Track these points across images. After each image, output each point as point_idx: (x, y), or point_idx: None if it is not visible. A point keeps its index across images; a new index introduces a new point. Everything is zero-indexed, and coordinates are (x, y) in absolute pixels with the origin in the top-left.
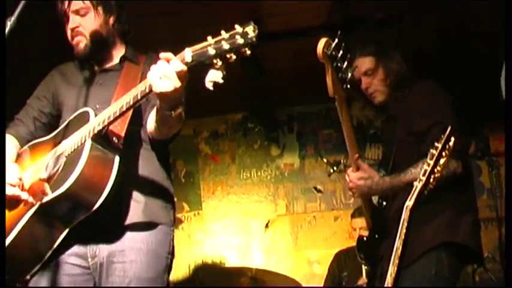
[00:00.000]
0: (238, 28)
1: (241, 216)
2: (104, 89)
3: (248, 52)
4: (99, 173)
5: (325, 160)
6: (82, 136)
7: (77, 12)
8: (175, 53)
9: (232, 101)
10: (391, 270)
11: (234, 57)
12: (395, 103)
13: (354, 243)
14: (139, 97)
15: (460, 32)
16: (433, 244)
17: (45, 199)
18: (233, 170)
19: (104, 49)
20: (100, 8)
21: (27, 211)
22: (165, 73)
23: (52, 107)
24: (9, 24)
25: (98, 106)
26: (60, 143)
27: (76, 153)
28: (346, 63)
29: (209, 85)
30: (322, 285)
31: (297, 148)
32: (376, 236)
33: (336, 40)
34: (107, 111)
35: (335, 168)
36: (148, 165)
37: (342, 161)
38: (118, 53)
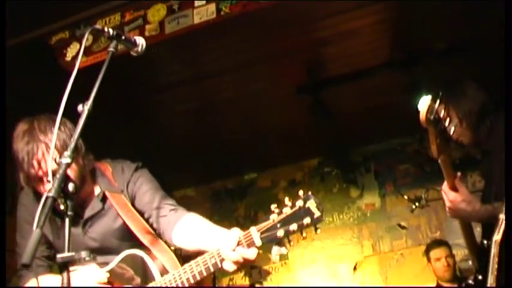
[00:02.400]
0: (300, 202)
1: (328, 261)
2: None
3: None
4: None
5: (406, 197)
6: None
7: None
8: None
9: (306, 147)
10: None
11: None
12: (487, 137)
13: (446, 279)
14: (211, 271)
15: None
16: None
17: None
18: None
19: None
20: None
21: None
22: (243, 263)
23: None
24: (86, 109)
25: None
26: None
27: None
28: (447, 122)
29: (276, 259)
30: None
31: (376, 187)
32: (480, 277)
33: (438, 101)
34: (178, 279)
35: (417, 204)
36: None
37: (422, 196)
38: (89, 187)
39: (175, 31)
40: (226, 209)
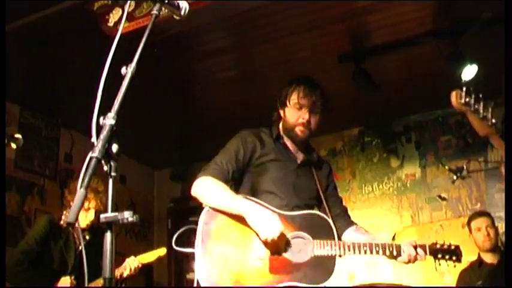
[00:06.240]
0: (453, 246)
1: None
2: (303, 182)
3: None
4: None
5: (446, 167)
6: (333, 250)
7: (313, 109)
8: None
9: (347, 116)
10: None
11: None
12: None
13: (486, 249)
14: (385, 255)
15: None
16: None
17: (301, 285)
18: (354, 186)
19: (308, 141)
20: (322, 113)
21: (275, 282)
22: (414, 259)
23: (243, 167)
24: (129, 71)
25: (294, 190)
26: (293, 228)
27: (327, 260)
28: (481, 104)
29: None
30: None
31: (416, 157)
32: None
33: (464, 89)
34: (357, 247)
35: (458, 174)
36: None
37: (464, 167)
38: (305, 146)
39: None
40: None
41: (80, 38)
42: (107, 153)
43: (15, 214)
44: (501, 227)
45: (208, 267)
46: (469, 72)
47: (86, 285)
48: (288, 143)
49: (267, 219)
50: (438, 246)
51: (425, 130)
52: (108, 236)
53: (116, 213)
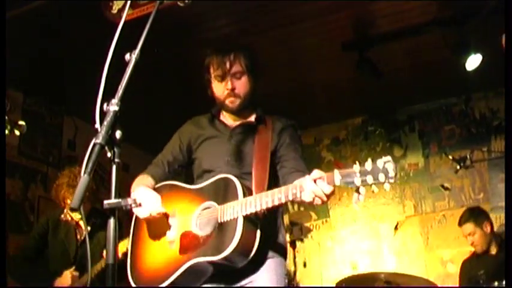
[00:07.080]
0: (379, 162)
1: (370, 220)
2: (240, 149)
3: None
4: (247, 243)
5: (450, 157)
6: (235, 211)
7: (234, 75)
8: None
9: (351, 105)
10: None
11: (375, 190)
12: None
13: (478, 252)
14: (289, 199)
15: None
16: None
17: (205, 259)
18: None
19: (246, 107)
20: (250, 73)
21: (182, 262)
22: (319, 196)
23: (185, 155)
24: (133, 57)
25: (229, 160)
26: (203, 200)
27: (230, 225)
28: None
29: (355, 206)
30: (457, 285)
31: (420, 147)
32: None
33: None
34: (258, 200)
35: (461, 164)
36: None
37: (467, 156)
38: (250, 112)
39: None
40: None
41: (83, 25)
42: (110, 140)
43: (19, 201)
44: (502, 217)
45: (133, 256)
46: (473, 61)
47: (89, 270)
48: (226, 118)
49: (142, 201)
50: (357, 169)
51: (428, 119)
52: (111, 222)
53: (120, 200)
